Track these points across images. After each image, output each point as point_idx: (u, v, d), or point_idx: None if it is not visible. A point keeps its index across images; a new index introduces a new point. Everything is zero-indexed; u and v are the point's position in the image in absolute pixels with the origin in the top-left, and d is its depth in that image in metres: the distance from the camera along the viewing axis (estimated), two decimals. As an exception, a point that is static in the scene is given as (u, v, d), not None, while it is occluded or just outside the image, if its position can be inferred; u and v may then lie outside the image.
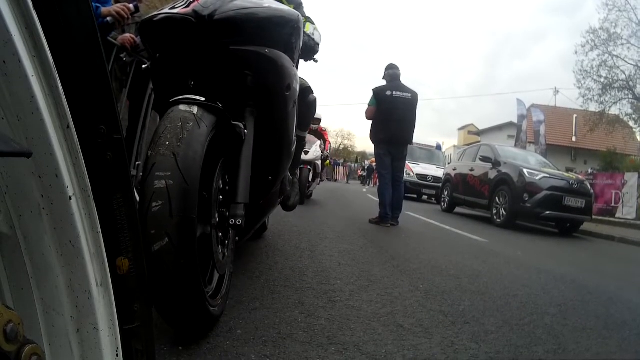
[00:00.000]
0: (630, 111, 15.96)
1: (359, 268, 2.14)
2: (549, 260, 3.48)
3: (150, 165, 0.96)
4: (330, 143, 5.43)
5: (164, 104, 1.17)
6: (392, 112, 4.33)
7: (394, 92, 4.40)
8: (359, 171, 28.30)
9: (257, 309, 1.35)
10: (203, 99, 1.14)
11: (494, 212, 6.53)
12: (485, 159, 7.14)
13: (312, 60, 2.07)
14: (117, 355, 0.43)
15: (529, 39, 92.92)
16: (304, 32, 1.80)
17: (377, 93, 4.46)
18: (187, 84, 1.27)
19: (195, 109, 1.08)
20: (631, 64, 15.30)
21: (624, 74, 15.47)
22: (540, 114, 18.90)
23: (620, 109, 15.66)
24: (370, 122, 4.58)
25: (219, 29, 1.23)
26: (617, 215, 9.29)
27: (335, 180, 25.24)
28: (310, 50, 1.95)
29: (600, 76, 15.71)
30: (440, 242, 3.75)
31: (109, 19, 2.48)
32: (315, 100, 2.20)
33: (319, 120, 6.43)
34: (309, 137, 4.81)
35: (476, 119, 72.46)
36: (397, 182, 4.49)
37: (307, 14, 2.19)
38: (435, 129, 77.15)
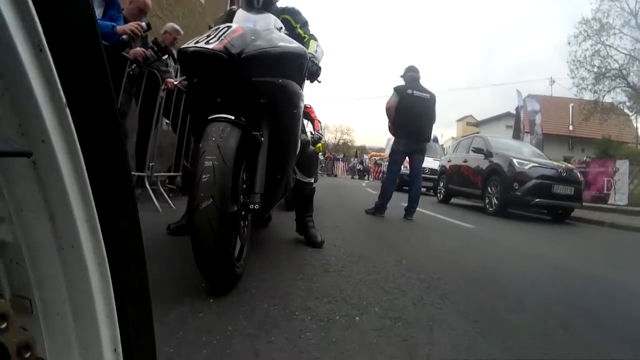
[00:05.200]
0: (624, 99, 16.20)
1: (351, 248, 2.46)
2: (528, 242, 3.79)
3: (202, 152, 1.35)
4: (319, 121, 5.66)
5: (201, 119, 1.56)
6: (412, 109, 4.61)
7: (415, 92, 4.70)
8: (358, 165, 28.64)
9: (266, 277, 1.67)
10: (233, 117, 1.50)
11: (487, 201, 6.80)
12: (477, 150, 7.40)
13: (316, 81, 2.35)
14: (116, 350, 0.43)
15: (524, 26, 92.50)
16: (309, 56, 2.07)
17: (399, 90, 4.72)
18: (215, 100, 1.61)
19: (227, 126, 1.46)
20: (624, 53, 15.54)
21: (617, 62, 15.71)
22: (535, 103, 19.08)
23: (613, 98, 15.89)
24: (386, 117, 4.81)
25: (245, 65, 1.54)
26: (609, 202, 9.54)
27: (335, 176, 25.58)
28: (314, 74, 2.25)
29: (593, 66, 15.95)
30: (429, 229, 4.07)
31: (124, 36, 2.78)
32: (314, 152, 2.57)
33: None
34: None
35: (474, 109, 72.47)
36: (415, 178, 4.79)
37: (311, 31, 2.46)
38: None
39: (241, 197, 1.55)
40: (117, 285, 0.43)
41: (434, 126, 5.03)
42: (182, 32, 4.30)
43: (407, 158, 4.90)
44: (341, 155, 33.81)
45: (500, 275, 2.19)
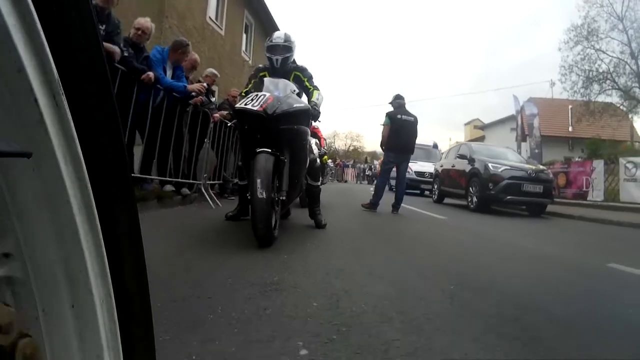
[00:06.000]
0: (616, 100, 17.11)
1: (344, 228, 3.79)
2: (482, 227, 5.04)
3: (255, 175, 2.46)
4: (325, 140, 7.15)
5: (251, 150, 2.69)
6: (400, 129, 6.04)
7: (403, 116, 6.12)
8: (367, 171, 29.88)
9: (291, 239, 3.00)
10: (269, 150, 2.62)
11: (469, 199, 8.00)
12: (462, 157, 8.62)
13: (317, 121, 3.47)
14: (116, 350, 0.44)
15: (527, 25, 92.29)
16: (312, 104, 3.23)
17: (391, 116, 6.14)
18: (257, 138, 2.73)
19: (267, 155, 2.59)
20: (612, 56, 16.52)
21: (607, 65, 16.66)
22: (533, 107, 19.96)
23: (602, 100, 16.78)
24: (381, 135, 6.22)
25: (276, 120, 2.66)
26: (588, 198, 10.60)
27: (345, 181, 26.96)
28: (315, 116, 3.30)
29: (583, 70, 16.92)
30: (406, 219, 5.38)
31: (193, 93, 4.23)
32: (319, 166, 3.84)
33: (311, 123, 7.98)
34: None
35: (482, 110, 73.20)
36: (401, 181, 6.20)
37: (315, 79, 3.53)
38: (443, 124, 78.16)
39: (275, 192, 2.75)
40: (117, 285, 0.44)
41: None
42: (219, 75, 5.75)
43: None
44: (351, 162, 35.03)
45: (435, 240, 3.49)
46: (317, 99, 3.35)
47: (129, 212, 0.45)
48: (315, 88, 3.47)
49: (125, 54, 3.63)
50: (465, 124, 41.80)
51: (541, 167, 8.69)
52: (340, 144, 47.27)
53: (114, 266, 0.43)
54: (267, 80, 3.08)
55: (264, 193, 2.42)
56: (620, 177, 9.83)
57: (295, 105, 2.83)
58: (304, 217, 4.00)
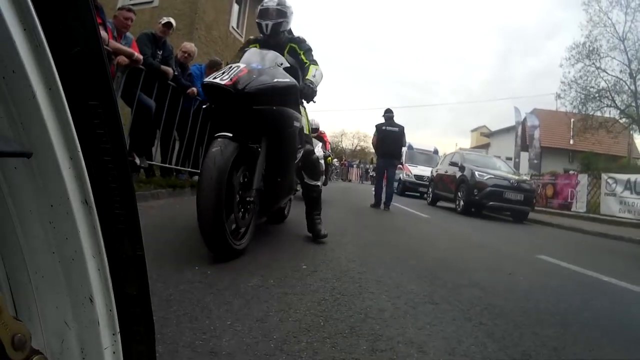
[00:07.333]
0: (615, 116, 17.79)
1: (340, 217, 4.78)
2: (456, 225, 5.99)
3: (204, 164, 1.91)
4: (330, 143, 8.32)
5: (212, 136, 2.11)
6: (385, 138, 7.21)
7: (387, 127, 7.29)
8: (371, 172, 30.73)
9: (285, 239, 3.99)
10: (230, 135, 2.04)
11: (457, 203, 8.92)
12: (453, 164, 9.55)
13: (312, 102, 2.76)
14: (115, 349, 0.44)
15: (541, 34, 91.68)
16: (307, 81, 2.62)
17: (378, 128, 7.39)
18: (227, 120, 2.15)
19: (225, 141, 1.99)
20: (612, 75, 17.21)
21: (606, 83, 17.36)
22: (534, 119, 20.68)
23: (600, 115, 17.46)
24: (372, 144, 7.51)
25: (247, 97, 2.03)
26: (572, 209, 11.42)
27: (350, 181, 27.95)
28: (308, 96, 2.65)
29: (584, 88, 17.62)
30: (395, 215, 6.36)
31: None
32: (317, 159, 3.13)
33: (317, 128, 8.31)
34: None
35: (491, 117, 73.46)
36: (389, 182, 7.26)
37: (314, 54, 2.87)
38: (451, 129, 78.70)
39: (238, 191, 2.06)
40: (117, 284, 0.44)
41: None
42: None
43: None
44: (356, 162, 35.87)
45: (407, 228, 4.47)
46: (314, 76, 2.72)
47: (129, 212, 0.44)
48: (313, 62, 2.83)
49: (176, 73, 4.65)
50: (472, 131, 42.38)
51: (524, 177, 9.59)
52: (347, 144, 48.16)
53: (115, 266, 0.43)
54: (251, 50, 2.57)
55: (212, 190, 1.87)
56: (602, 191, 10.65)
57: (275, 80, 2.23)
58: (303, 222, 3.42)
